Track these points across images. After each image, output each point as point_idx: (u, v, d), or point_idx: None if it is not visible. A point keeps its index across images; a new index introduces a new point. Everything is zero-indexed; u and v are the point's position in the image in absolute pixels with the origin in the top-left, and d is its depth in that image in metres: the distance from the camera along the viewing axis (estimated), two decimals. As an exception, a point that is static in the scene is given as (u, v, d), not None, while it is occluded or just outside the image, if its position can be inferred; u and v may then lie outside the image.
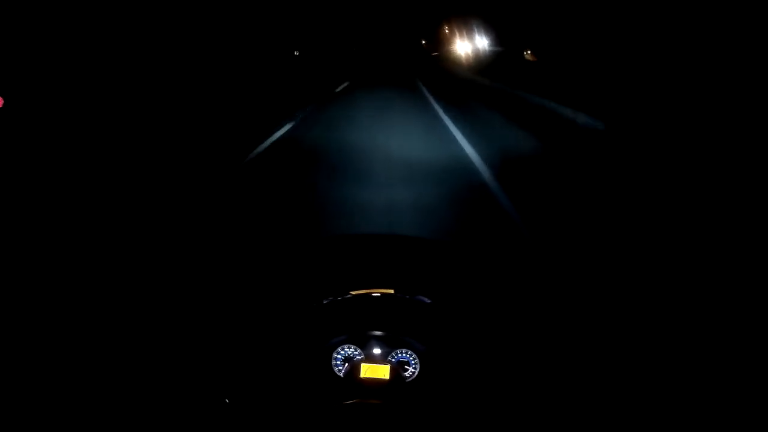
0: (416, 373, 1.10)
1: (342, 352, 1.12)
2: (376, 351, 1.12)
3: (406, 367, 1.11)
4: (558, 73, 11.16)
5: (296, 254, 1.53)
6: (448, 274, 1.36)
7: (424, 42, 51.43)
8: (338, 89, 14.14)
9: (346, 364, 1.11)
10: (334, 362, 1.12)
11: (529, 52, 15.98)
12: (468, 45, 28.76)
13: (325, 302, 1.18)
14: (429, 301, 1.18)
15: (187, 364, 1.04)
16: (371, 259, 1.42)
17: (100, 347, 1.10)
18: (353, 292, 1.19)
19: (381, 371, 1.09)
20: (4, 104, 7.67)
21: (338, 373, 1.11)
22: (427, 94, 12.59)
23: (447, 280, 1.30)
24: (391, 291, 1.19)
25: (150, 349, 1.07)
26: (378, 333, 1.14)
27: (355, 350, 1.12)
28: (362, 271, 1.33)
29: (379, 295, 1.19)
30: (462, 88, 14.63)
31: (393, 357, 1.11)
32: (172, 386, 1.00)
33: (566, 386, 0.97)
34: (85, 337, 1.20)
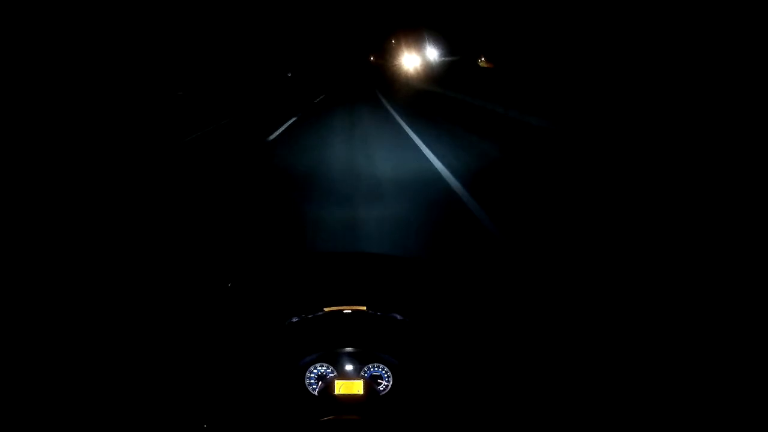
0: (389, 387, 1.12)
1: (315, 370, 1.13)
2: (349, 367, 1.13)
3: (379, 381, 1.12)
4: (515, 79, 11.47)
5: (267, 272, 1.52)
6: (419, 290, 1.39)
7: (372, 58, 51.43)
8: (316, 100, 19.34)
9: (320, 382, 1.12)
10: (307, 381, 1.12)
11: (483, 59, 16.17)
12: (418, 56, 29.15)
13: (296, 320, 1.19)
14: (401, 318, 1.20)
15: (162, 389, 1.04)
16: (343, 277, 1.44)
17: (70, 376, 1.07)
18: (325, 309, 1.20)
19: (355, 387, 1.10)
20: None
21: (312, 391, 1.12)
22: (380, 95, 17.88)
23: (418, 296, 1.33)
24: (363, 308, 1.21)
25: (125, 375, 1.06)
26: (350, 349, 1.15)
27: (328, 368, 1.13)
28: (334, 289, 1.34)
29: (350, 311, 1.20)
30: (411, 94, 18.33)
31: (366, 372, 1.13)
32: (149, 413, 0.99)
33: (538, 399, 1.01)
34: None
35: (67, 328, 2.14)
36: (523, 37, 12.15)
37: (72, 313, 2.58)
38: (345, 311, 1.20)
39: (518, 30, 12.53)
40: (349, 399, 1.09)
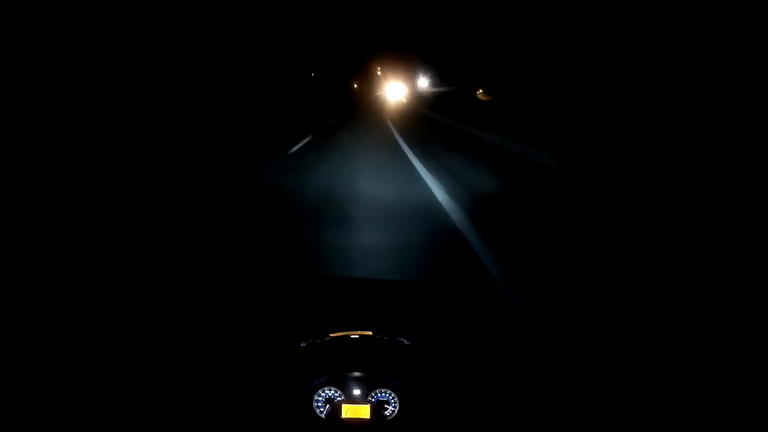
0: (396, 411, 1.13)
1: (323, 394, 1.14)
2: (356, 392, 1.14)
3: (386, 406, 1.13)
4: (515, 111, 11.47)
5: (275, 297, 1.54)
6: (425, 315, 1.41)
7: (356, 85, 48.84)
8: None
9: (327, 406, 1.13)
10: (315, 404, 1.13)
11: (481, 90, 15.90)
12: (405, 85, 28.56)
13: (304, 345, 1.20)
14: (407, 342, 1.22)
15: (168, 409, 1.03)
16: (349, 302, 1.46)
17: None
18: (332, 335, 1.21)
19: (362, 411, 1.11)
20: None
21: (320, 415, 1.12)
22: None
23: (425, 321, 1.36)
24: (370, 333, 1.23)
25: (125, 394, 1.06)
26: (357, 374, 1.16)
27: (336, 392, 1.14)
28: (340, 314, 1.36)
29: (357, 336, 1.22)
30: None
31: (373, 397, 1.14)
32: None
33: (545, 423, 1.03)
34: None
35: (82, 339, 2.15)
36: (525, 67, 12.22)
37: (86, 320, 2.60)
38: (352, 336, 1.22)
39: (519, 61, 12.58)
40: (356, 423, 1.10)
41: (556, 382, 1.13)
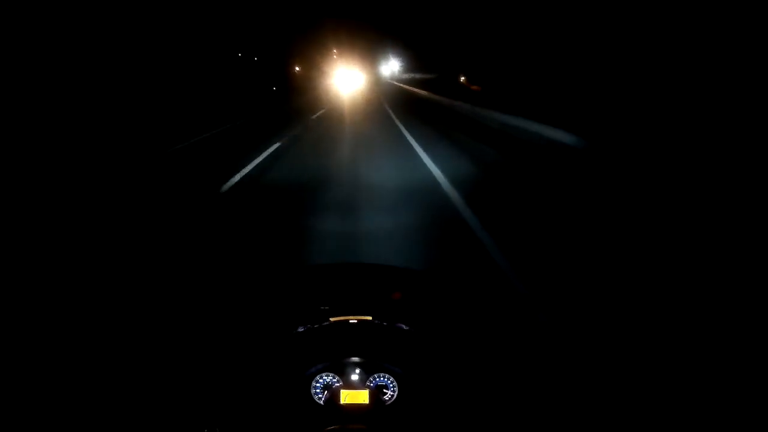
0: (395, 396, 1.14)
1: (321, 380, 1.14)
2: (355, 377, 1.15)
3: (384, 390, 1.14)
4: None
5: (273, 283, 1.52)
6: (425, 300, 1.41)
7: (298, 68, 37.39)
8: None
9: (326, 392, 1.13)
10: (313, 390, 1.13)
11: (464, 78, 14.59)
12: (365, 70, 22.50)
13: (302, 330, 1.19)
14: (406, 328, 1.22)
15: (168, 396, 1.02)
16: (348, 288, 1.45)
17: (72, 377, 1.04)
18: (331, 320, 1.20)
19: (361, 396, 1.12)
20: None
21: (318, 401, 1.12)
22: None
23: (424, 307, 1.36)
24: (369, 318, 1.22)
25: (128, 380, 1.04)
26: (356, 359, 1.16)
27: (334, 377, 1.14)
28: (340, 299, 1.35)
29: (356, 321, 1.22)
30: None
31: (371, 382, 1.14)
32: (152, 418, 0.97)
33: (543, 409, 1.06)
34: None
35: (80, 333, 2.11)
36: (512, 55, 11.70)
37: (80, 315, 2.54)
38: (351, 321, 1.21)
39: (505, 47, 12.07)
40: (355, 408, 1.10)
41: (555, 371, 1.16)
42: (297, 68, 37.94)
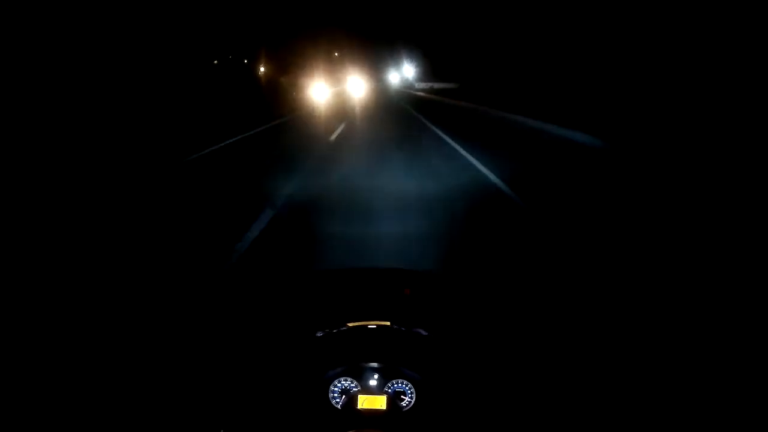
0: (413, 402, 1.13)
1: (339, 384, 1.14)
2: (373, 382, 1.15)
3: (402, 396, 1.14)
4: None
5: (292, 288, 1.53)
6: (443, 305, 1.41)
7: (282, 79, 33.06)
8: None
9: (343, 396, 1.13)
10: (331, 394, 1.13)
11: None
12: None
13: (321, 335, 1.19)
14: (425, 333, 1.22)
15: (186, 399, 1.03)
16: (367, 292, 1.45)
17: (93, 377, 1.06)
18: (349, 324, 1.21)
19: (378, 402, 1.12)
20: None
21: (335, 405, 1.13)
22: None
23: (442, 312, 1.36)
24: (387, 323, 1.23)
25: (145, 380, 1.05)
26: (374, 364, 1.16)
27: (352, 382, 1.14)
28: (358, 304, 1.36)
29: (375, 327, 1.22)
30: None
31: (389, 387, 1.14)
32: (169, 418, 0.98)
33: (561, 415, 1.05)
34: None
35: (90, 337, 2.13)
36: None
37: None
38: (369, 326, 1.22)
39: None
40: (372, 413, 1.10)
41: (571, 378, 1.15)
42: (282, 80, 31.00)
